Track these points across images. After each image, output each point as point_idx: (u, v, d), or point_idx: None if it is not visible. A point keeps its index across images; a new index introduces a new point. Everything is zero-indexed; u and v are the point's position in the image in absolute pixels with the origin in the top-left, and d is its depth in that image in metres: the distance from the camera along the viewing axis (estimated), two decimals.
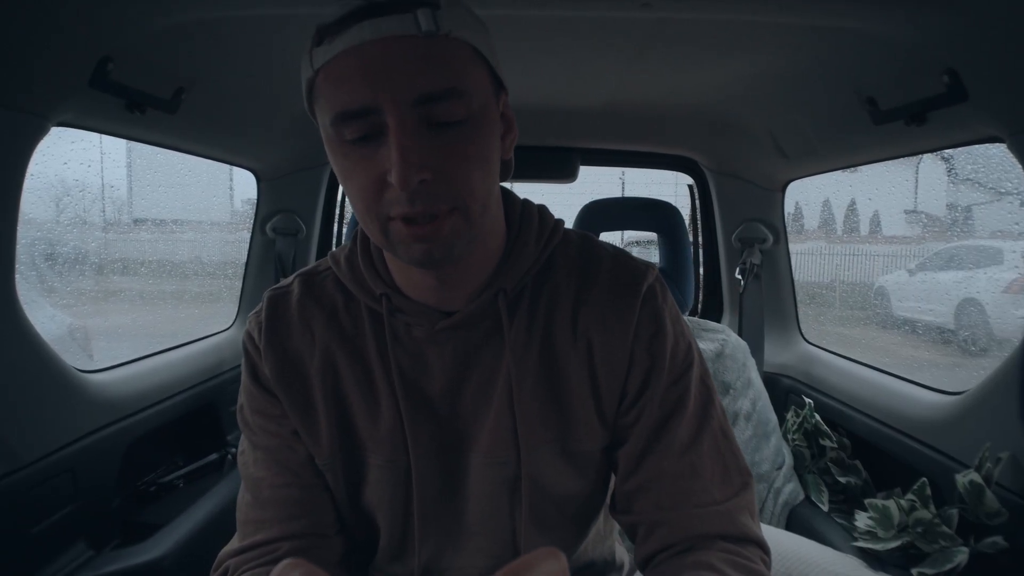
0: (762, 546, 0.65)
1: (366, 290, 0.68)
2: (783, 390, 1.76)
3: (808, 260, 7.03)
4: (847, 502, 1.34)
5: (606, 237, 2.04)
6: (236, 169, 1.75)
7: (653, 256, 2.80)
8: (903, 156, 1.33)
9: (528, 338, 0.67)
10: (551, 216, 0.72)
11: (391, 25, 0.52)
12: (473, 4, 0.60)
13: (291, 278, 0.73)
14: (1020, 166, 0.92)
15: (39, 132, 0.94)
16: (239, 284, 1.90)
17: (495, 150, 0.60)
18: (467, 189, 0.56)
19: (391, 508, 0.69)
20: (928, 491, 1.09)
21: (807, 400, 1.55)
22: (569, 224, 0.75)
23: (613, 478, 0.74)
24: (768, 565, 0.64)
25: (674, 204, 1.85)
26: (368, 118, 0.53)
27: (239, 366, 0.88)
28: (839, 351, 1.68)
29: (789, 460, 1.44)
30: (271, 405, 0.69)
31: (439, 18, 0.53)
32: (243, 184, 1.91)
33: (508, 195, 0.71)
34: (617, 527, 0.91)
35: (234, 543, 0.68)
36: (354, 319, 0.69)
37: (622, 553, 0.92)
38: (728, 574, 0.59)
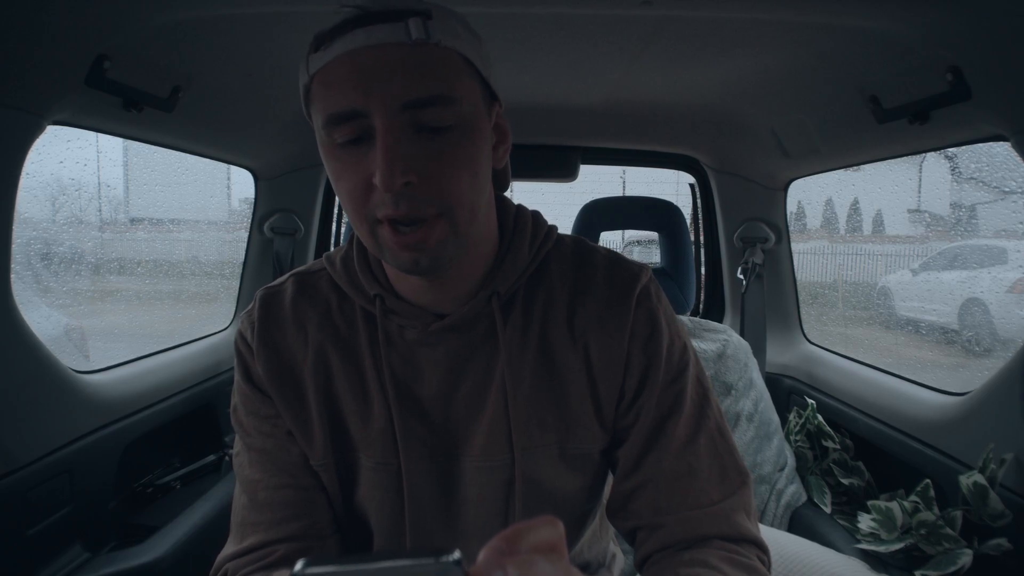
0: (759, 545, 0.66)
1: (360, 291, 0.68)
2: (785, 391, 1.75)
3: (810, 259, 7.02)
4: (850, 504, 1.33)
5: (606, 236, 2.04)
6: (234, 168, 1.74)
7: (654, 255, 2.80)
8: (906, 155, 1.32)
9: (523, 341, 0.67)
10: (544, 221, 0.73)
11: (383, 33, 0.53)
12: (474, 2, 0.59)
13: (284, 277, 0.74)
14: None
15: (35, 131, 0.93)
16: (237, 284, 1.89)
17: (485, 158, 0.60)
18: (454, 194, 0.56)
19: (383, 511, 0.69)
20: (931, 492, 1.08)
21: (809, 401, 1.54)
22: (569, 223, 0.75)
23: (609, 480, 0.74)
24: (766, 564, 0.65)
25: (675, 203, 1.85)
26: (357, 121, 0.54)
27: None
28: (842, 351, 1.67)
29: (791, 461, 1.43)
30: (265, 405, 0.69)
31: (430, 27, 0.54)
32: (241, 183, 1.90)
33: (502, 201, 0.72)
34: (612, 527, 0.91)
35: (231, 546, 0.68)
36: (348, 320, 0.69)
37: (617, 553, 0.93)
38: (724, 570, 0.59)
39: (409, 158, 0.54)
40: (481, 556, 0.37)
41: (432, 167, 0.55)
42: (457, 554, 0.35)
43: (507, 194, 0.75)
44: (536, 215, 0.73)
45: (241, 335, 0.71)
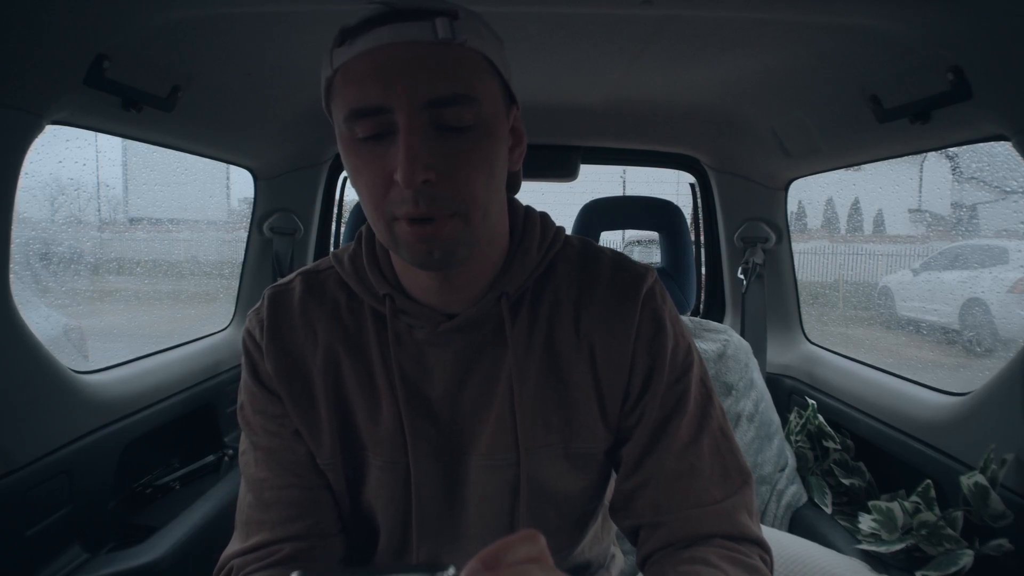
0: (761, 544, 0.66)
1: (370, 290, 0.68)
2: (786, 391, 1.75)
3: (811, 259, 7.01)
4: (851, 504, 1.33)
5: (607, 236, 2.04)
6: (233, 167, 1.74)
7: (655, 255, 2.80)
8: (907, 154, 1.32)
9: (530, 341, 0.68)
10: (553, 223, 0.74)
11: (409, 31, 0.54)
12: (475, 1, 0.60)
13: (292, 276, 0.74)
14: None
15: (34, 130, 0.93)
16: (236, 284, 1.89)
17: (501, 159, 0.61)
18: (469, 194, 0.57)
19: (390, 509, 0.69)
20: (932, 493, 1.08)
21: (810, 401, 1.54)
22: (569, 223, 0.76)
23: (612, 479, 0.75)
24: (768, 564, 0.65)
25: (675, 203, 1.84)
26: (380, 117, 0.55)
27: (237, 367, 0.87)
28: (842, 352, 1.67)
29: (792, 462, 1.43)
30: (272, 404, 0.70)
31: (456, 27, 0.55)
32: (240, 183, 1.90)
33: (512, 202, 0.73)
34: (614, 528, 0.91)
35: (235, 543, 0.69)
36: (357, 319, 0.70)
37: (617, 553, 0.93)
38: (723, 568, 0.59)
39: (430, 156, 0.54)
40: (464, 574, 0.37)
41: (451, 166, 0.55)
42: (452, 570, 0.35)
43: None
44: (544, 216, 0.74)
45: (249, 333, 0.71)
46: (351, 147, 0.58)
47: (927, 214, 6.06)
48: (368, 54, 0.54)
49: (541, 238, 0.70)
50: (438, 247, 0.57)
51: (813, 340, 1.85)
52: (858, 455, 1.40)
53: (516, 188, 0.74)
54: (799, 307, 1.88)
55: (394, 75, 0.54)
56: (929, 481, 1.09)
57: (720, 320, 2.01)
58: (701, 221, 2.06)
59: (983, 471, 0.98)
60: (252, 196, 1.84)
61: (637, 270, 0.70)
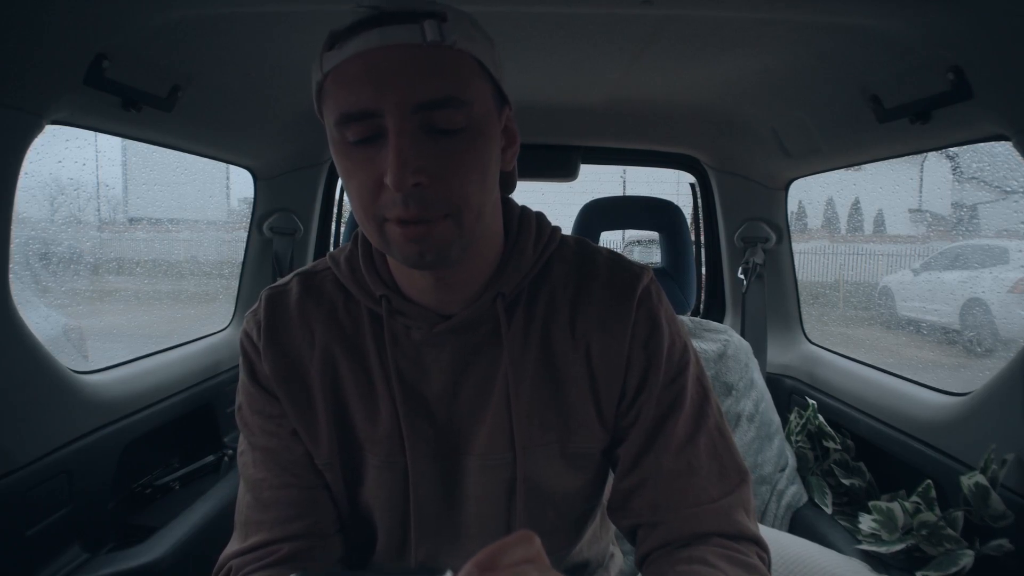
0: (759, 543, 0.66)
1: (366, 291, 0.68)
2: (786, 391, 1.75)
3: (811, 259, 7.02)
4: (851, 504, 1.33)
5: (607, 236, 2.04)
6: (233, 167, 1.74)
7: (655, 255, 2.80)
8: (907, 154, 1.32)
9: (526, 341, 0.68)
10: (548, 223, 0.74)
11: (398, 33, 0.54)
12: (474, 1, 0.60)
13: (289, 277, 0.74)
14: None
15: (33, 130, 0.93)
16: (236, 284, 1.89)
17: (493, 160, 0.61)
18: (461, 196, 0.57)
19: (388, 509, 0.70)
20: (933, 493, 1.08)
21: (810, 401, 1.53)
22: (569, 223, 0.76)
23: (610, 479, 0.75)
24: (766, 562, 0.65)
25: (675, 203, 1.84)
26: (370, 120, 0.55)
27: (236, 367, 0.87)
28: (843, 352, 1.67)
29: (792, 462, 1.43)
30: (270, 405, 0.70)
31: (444, 30, 0.55)
32: (240, 183, 1.90)
33: (507, 202, 0.73)
34: (613, 527, 0.91)
35: (234, 544, 0.69)
36: (354, 319, 0.70)
37: (616, 553, 0.93)
38: (721, 567, 0.59)
39: (420, 159, 0.54)
40: None
41: (442, 168, 0.55)
42: (448, 574, 0.35)
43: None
44: (540, 216, 0.74)
45: (247, 334, 0.71)
46: (342, 150, 0.58)
47: (927, 214, 6.06)
48: (357, 58, 0.54)
49: (536, 238, 0.70)
50: (430, 249, 0.57)
51: (813, 340, 1.85)
52: (858, 455, 1.40)
53: (510, 188, 0.74)
54: (799, 307, 1.88)
55: (383, 78, 0.54)
56: (929, 481, 1.09)
57: (720, 320, 2.01)
58: (701, 221, 2.06)
59: (983, 471, 0.98)
60: (252, 196, 1.84)
61: (633, 269, 0.70)
